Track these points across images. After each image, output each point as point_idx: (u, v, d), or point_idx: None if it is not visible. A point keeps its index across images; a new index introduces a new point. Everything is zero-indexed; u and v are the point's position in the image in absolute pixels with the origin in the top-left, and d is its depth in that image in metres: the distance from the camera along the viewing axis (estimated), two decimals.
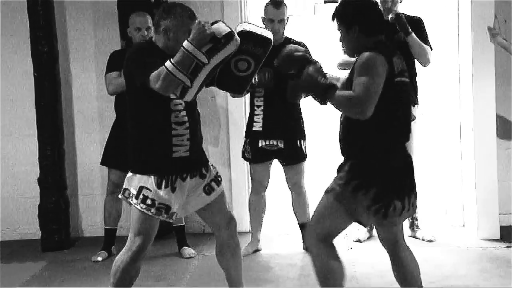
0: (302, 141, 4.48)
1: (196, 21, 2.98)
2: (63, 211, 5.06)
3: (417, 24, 4.58)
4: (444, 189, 5.41)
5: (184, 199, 3.18)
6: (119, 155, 4.55)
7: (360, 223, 2.95)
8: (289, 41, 4.27)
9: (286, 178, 4.60)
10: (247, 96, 4.66)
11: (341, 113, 2.98)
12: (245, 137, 4.58)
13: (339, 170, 2.97)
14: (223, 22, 3.02)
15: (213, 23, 2.99)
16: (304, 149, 4.50)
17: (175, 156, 3.10)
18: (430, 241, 4.71)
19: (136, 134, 3.15)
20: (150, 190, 3.07)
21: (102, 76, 4.71)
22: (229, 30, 2.97)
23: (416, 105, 4.68)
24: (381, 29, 3.00)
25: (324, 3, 6.38)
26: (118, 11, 4.94)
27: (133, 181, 3.11)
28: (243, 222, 5.12)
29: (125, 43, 4.82)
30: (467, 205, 4.93)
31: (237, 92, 3.49)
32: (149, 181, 3.08)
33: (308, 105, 4.04)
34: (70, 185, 5.22)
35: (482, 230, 4.72)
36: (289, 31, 4.56)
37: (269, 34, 3.15)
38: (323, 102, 2.88)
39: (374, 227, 4.81)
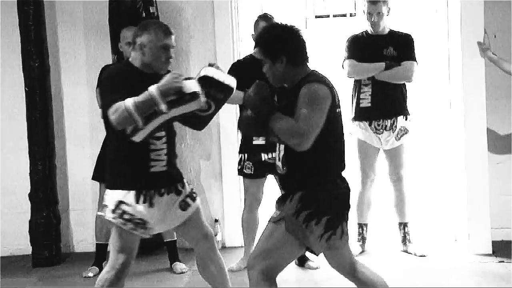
0: None
1: (171, 72, 3.04)
2: (54, 226, 5.03)
3: (406, 40, 4.69)
4: (436, 204, 5.41)
5: (160, 214, 3.17)
6: None
7: (313, 253, 2.94)
8: None
9: None
10: (239, 110, 4.64)
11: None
12: (240, 152, 4.54)
13: (282, 201, 2.91)
14: (197, 81, 3.05)
15: (186, 79, 3.05)
16: None
17: (153, 171, 3.12)
18: (422, 256, 4.69)
19: (115, 149, 3.18)
20: (129, 205, 3.08)
21: (93, 90, 4.70)
22: (196, 90, 3.01)
23: (408, 117, 4.71)
24: (307, 57, 2.95)
25: (315, 18, 6.41)
26: (109, 26, 4.94)
27: (112, 196, 3.12)
28: (236, 236, 5.10)
29: (116, 58, 4.82)
30: (459, 219, 4.92)
31: (197, 129, 3.48)
32: (128, 196, 3.08)
33: None
34: (61, 200, 5.19)
35: (474, 244, 4.71)
36: None
37: (231, 82, 3.16)
38: (264, 123, 2.84)
39: (365, 241, 4.85)
